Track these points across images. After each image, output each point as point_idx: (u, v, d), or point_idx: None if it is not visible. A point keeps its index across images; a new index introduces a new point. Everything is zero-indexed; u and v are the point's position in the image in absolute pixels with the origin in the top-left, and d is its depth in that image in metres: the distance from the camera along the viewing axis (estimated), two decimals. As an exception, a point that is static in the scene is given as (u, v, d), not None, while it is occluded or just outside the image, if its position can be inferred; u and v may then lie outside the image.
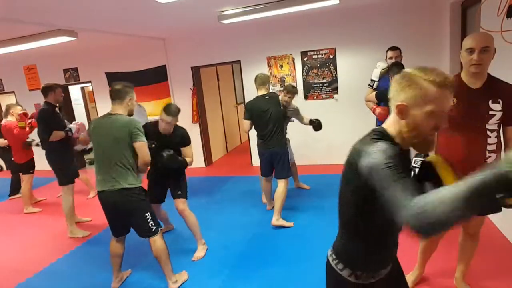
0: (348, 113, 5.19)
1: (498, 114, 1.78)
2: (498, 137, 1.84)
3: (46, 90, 3.71)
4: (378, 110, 3.13)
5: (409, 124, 1.03)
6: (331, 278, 1.26)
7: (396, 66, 3.03)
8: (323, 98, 5.29)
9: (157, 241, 2.46)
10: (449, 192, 0.80)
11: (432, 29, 4.51)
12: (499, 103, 1.77)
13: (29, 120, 4.52)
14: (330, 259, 1.24)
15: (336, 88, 5.22)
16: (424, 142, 1.05)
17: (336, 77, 5.17)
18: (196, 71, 5.96)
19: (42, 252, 3.46)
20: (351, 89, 5.07)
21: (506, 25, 2.44)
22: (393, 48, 3.51)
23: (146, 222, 2.41)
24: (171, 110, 2.80)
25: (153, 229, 2.44)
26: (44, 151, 3.76)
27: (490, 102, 1.78)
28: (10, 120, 4.55)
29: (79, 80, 6.67)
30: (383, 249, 1.19)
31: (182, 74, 5.95)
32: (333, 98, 5.27)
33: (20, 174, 4.95)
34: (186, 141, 2.95)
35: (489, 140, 1.82)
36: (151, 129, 2.86)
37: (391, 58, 3.47)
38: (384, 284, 1.23)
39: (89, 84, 6.70)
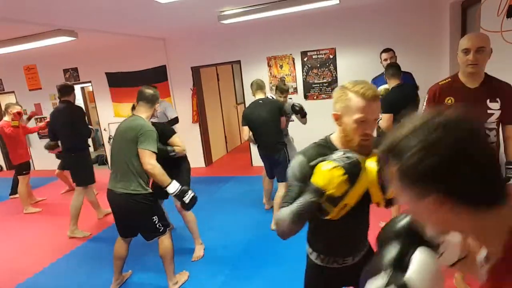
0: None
1: (497, 113, 1.79)
2: (497, 135, 1.85)
3: (70, 89, 3.77)
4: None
5: (344, 130, 1.18)
6: (306, 262, 1.44)
7: (391, 68, 3.04)
8: (323, 98, 5.29)
9: (164, 240, 2.46)
10: (289, 209, 1.15)
11: (432, 29, 4.50)
12: (497, 102, 1.78)
13: (46, 120, 4.57)
14: (307, 245, 1.42)
15: (336, 88, 5.22)
16: (359, 146, 1.16)
17: (336, 77, 5.17)
18: (196, 71, 5.96)
19: (42, 252, 3.46)
20: (351, 89, 5.06)
21: (506, 25, 2.43)
22: (386, 50, 3.57)
23: (153, 225, 2.40)
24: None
25: (161, 230, 2.44)
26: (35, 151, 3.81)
27: (488, 101, 1.79)
28: (6, 120, 4.52)
29: (79, 80, 6.67)
30: (329, 238, 1.33)
31: (182, 74, 5.95)
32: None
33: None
34: (167, 133, 2.83)
35: (488, 139, 1.82)
36: None
37: (385, 60, 3.51)
38: (351, 274, 1.31)
39: (89, 84, 6.70)
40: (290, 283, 2.54)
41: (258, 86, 3.47)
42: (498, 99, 1.78)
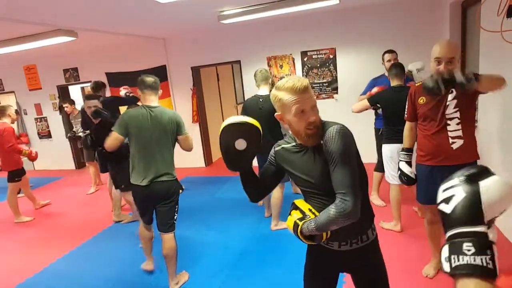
0: (348, 113, 5.15)
1: (452, 103, 1.99)
2: (461, 123, 2.01)
3: (101, 87, 4.51)
4: (374, 89, 3.32)
5: (291, 126, 1.30)
6: None
7: (395, 68, 3.05)
8: (323, 98, 5.29)
9: (170, 240, 2.50)
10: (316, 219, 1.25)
11: (432, 29, 4.50)
12: (451, 92, 1.98)
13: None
14: None
15: (336, 88, 5.22)
16: (306, 136, 1.27)
17: (336, 77, 5.17)
18: (196, 71, 5.96)
19: (42, 252, 3.46)
20: (351, 89, 5.06)
21: (506, 25, 2.43)
22: (390, 51, 3.58)
23: (172, 214, 2.49)
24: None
25: (173, 224, 2.51)
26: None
27: (448, 94, 2.00)
28: (6, 121, 4.25)
29: (79, 80, 6.68)
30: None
31: (182, 74, 5.95)
32: (333, 98, 5.27)
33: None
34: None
35: (449, 128, 2.03)
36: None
37: (389, 60, 3.53)
38: (345, 261, 1.39)
39: (89, 84, 6.70)
40: (290, 283, 2.54)
41: (263, 77, 3.31)
42: (452, 90, 1.97)
